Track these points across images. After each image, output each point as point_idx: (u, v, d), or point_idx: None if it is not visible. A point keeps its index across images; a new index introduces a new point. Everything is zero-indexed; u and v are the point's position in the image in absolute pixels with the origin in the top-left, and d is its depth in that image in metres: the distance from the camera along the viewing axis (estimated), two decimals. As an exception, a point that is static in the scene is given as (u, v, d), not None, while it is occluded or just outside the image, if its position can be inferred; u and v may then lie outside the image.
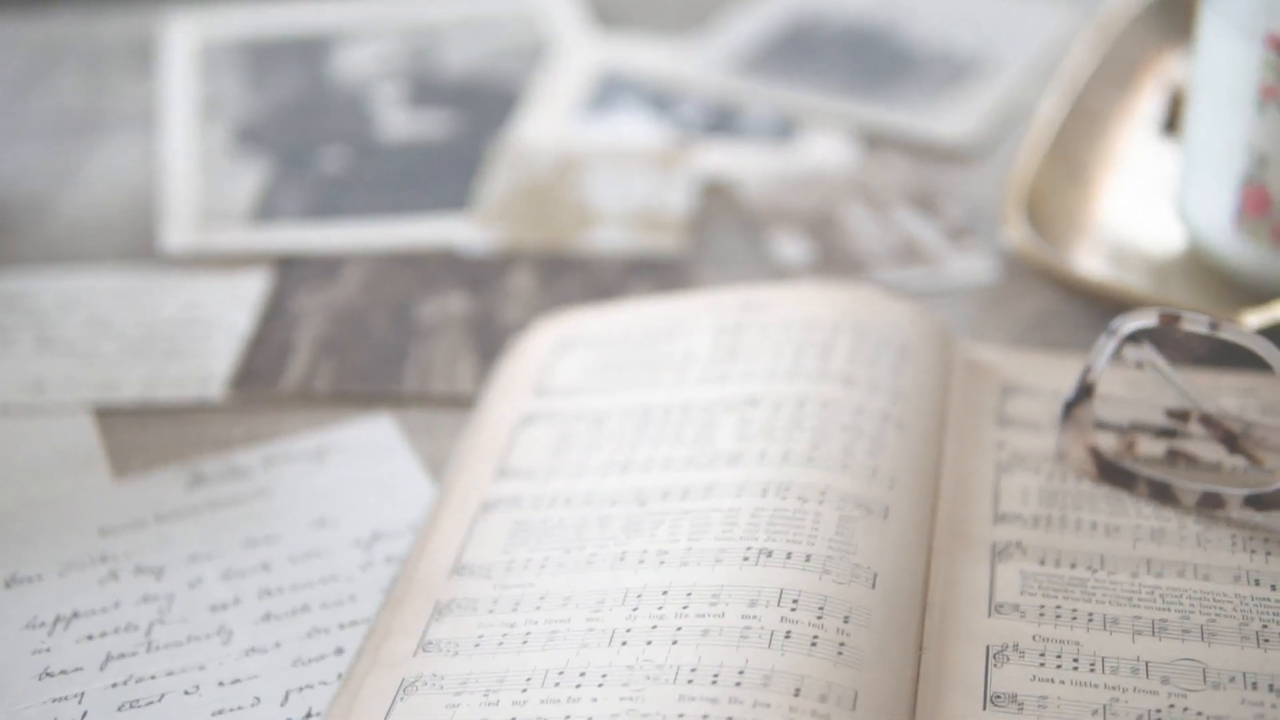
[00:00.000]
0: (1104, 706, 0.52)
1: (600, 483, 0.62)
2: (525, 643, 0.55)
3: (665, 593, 0.55)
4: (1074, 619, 0.55)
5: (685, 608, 0.55)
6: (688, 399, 0.65)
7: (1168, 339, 0.63)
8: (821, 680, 0.51)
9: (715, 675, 0.52)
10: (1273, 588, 0.56)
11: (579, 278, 0.77)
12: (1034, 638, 0.55)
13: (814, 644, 0.53)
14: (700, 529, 0.58)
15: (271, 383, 0.71)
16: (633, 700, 0.51)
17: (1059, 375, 0.65)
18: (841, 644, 0.53)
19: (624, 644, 0.54)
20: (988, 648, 0.55)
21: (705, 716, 0.50)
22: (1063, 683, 0.53)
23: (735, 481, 0.60)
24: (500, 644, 0.55)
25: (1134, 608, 0.56)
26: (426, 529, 0.61)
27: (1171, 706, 0.52)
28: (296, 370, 0.72)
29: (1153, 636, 0.55)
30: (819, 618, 0.53)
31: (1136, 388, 0.64)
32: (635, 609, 0.55)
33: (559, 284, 0.77)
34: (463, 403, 0.69)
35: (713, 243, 0.81)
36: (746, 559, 0.56)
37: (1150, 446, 0.63)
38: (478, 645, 0.55)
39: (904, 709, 0.52)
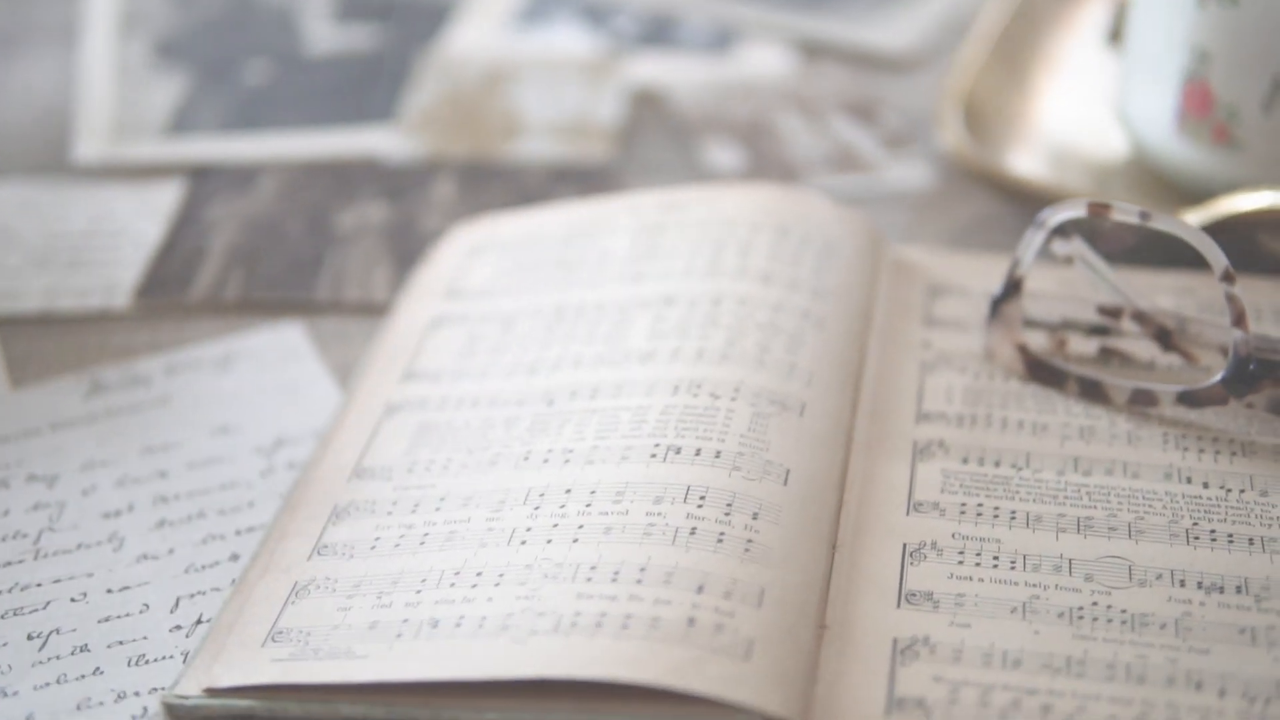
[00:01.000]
0: (1023, 604, 0.50)
1: (508, 383, 0.59)
2: (422, 544, 0.53)
3: (568, 491, 0.53)
4: (996, 517, 0.53)
5: (588, 506, 0.52)
6: (602, 298, 0.62)
7: (1099, 232, 0.60)
8: (726, 577, 0.49)
9: (616, 573, 0.49)
10: (1204, 485, 0.54)
11: (503, 187, 0.75)
12: (953, 535, 0.53)
13: (720, 541, 0.50)
14: (608, 427, 0.56)
15: (179, 292, 0.69)
16: (529, 599, 0.49)
17: (989, 276, 0.62)
18: (749, 540, 0.51)
19: (523, 543, 0.52)
20: (904, 546, 0.52)
21: (603, 614, 0.48)
22: (981, 580, 0.51)
23: (646, 379, 0.57)
24: (397, 546, 0.53)
25: (1059, 505, 0.54)
26: (329, 434, 0.59)
27: (1094, 604, 0.50)
28: (206, 279, 0.69)
29: (1078, 534, 0.53)
30: (726, 514, 0.51)
31: (1067, 285, 0.62)
32: (537, 508, 0.53)
33: (482, 193, 0.74)
34: (377, 310, 0.67)
35: (642, 152, 0.78)
36: (654, 456, 0.54)
37: (1081, 345, 0.61)
38: (374, 547, 0.53)
39: (813, 606, 0.49)
